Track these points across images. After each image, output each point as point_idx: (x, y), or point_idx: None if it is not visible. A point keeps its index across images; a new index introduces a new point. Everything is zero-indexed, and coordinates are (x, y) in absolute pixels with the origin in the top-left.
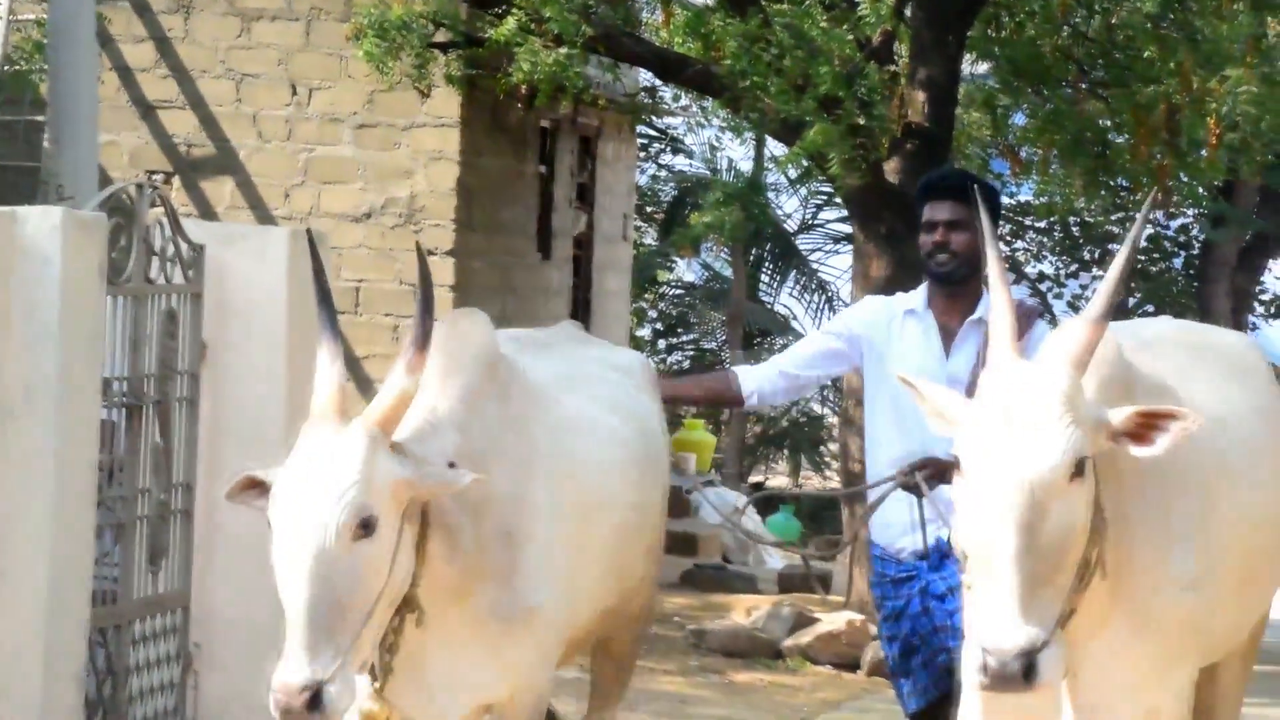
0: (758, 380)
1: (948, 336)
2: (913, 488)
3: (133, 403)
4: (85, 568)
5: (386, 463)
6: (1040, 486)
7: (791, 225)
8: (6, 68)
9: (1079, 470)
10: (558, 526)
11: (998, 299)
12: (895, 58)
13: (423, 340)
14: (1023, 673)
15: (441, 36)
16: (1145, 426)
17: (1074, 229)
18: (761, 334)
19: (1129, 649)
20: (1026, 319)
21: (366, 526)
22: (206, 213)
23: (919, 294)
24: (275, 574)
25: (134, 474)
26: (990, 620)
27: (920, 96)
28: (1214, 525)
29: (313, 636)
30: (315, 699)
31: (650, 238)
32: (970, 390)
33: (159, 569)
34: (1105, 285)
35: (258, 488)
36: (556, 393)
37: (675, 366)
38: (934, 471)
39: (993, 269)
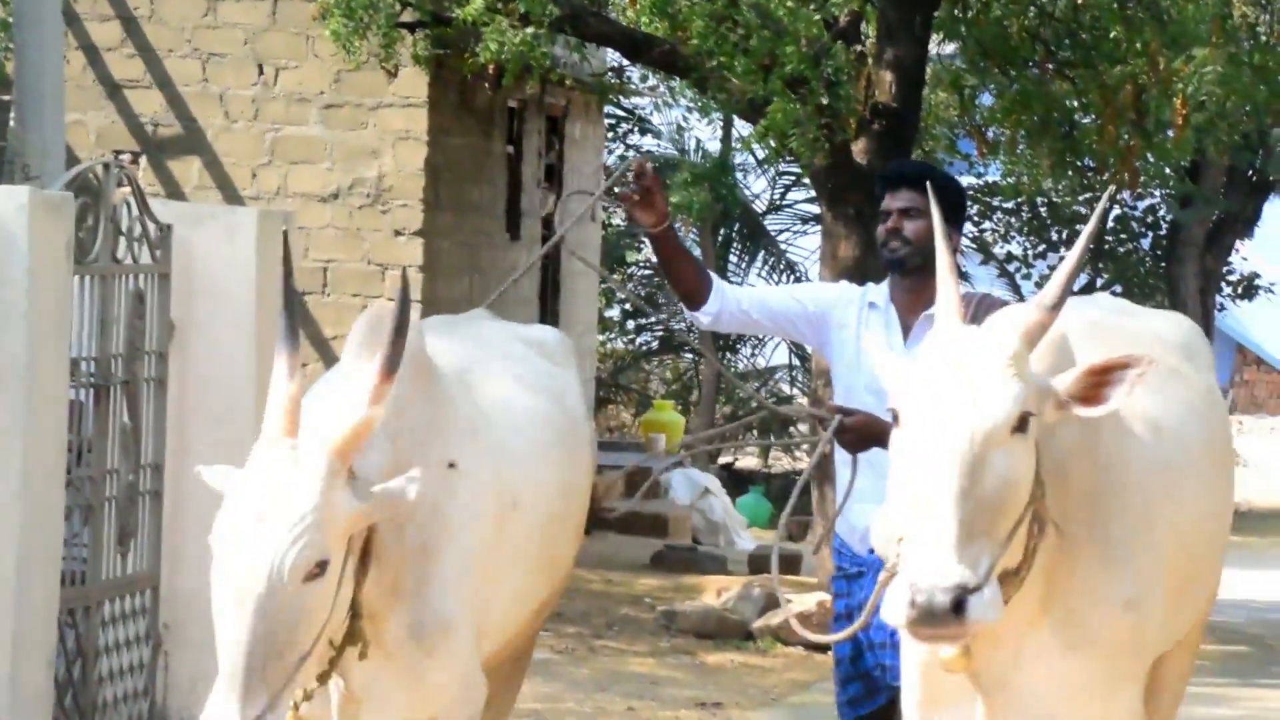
0: (722, 301)
1: (906, 330)
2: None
3: (101, 383)
4: (54, 549)
5: (343, 497)
6: (982, 434)
7: (760, 205)
8: None
9: (1021, 426)
10: (478, 533)
11: (941, 266)
12: (863, 38)
13: (390, 366)
14: (952, 606)
15: (408, 16)
16: (1096, 385)
17: (1041, 210)
18: None
19: (1063, 663)
20: (987, 310)
21: (320, 568)
22: (174, 193)
23: (883, 287)
24: (213, 600)
25: (102, 455)
26: (922, 559)
27: (887, 77)
28: (1155, 541)
29: (248, 678)
30: None
31: (619, 218)
32: None
33: (128, 550)
34: (1060, 274)
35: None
36: (472, 379)
37: (644, 347)
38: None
39: (938, 235)
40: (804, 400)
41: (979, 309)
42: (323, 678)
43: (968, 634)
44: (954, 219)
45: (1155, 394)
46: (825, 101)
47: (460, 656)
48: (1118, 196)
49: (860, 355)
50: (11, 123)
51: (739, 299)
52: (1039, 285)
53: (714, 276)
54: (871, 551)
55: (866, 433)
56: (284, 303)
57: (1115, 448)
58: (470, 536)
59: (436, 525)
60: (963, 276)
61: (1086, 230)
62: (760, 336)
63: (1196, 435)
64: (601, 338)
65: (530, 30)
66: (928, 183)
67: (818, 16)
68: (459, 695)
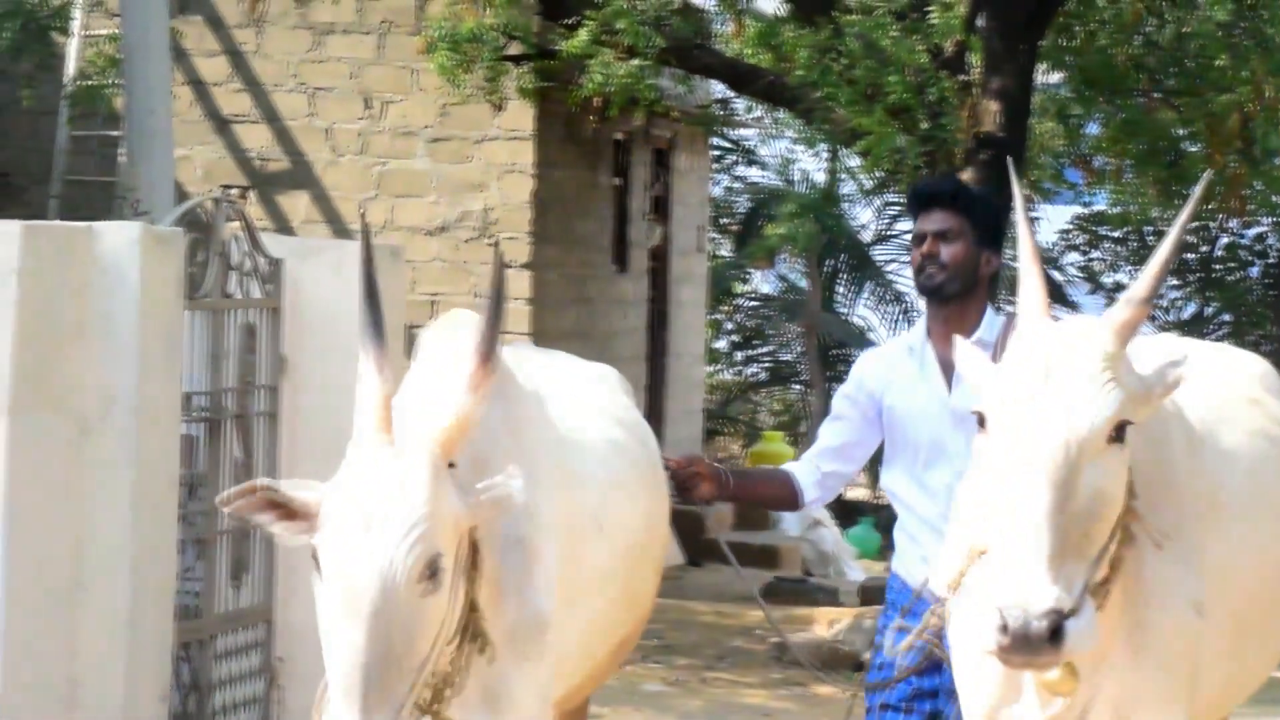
0: (815, 487)
1: (948, 369)
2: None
3: (213, 417)
4: (168, 583)
5: (452, 494)
6: (1077, 445)
7: (866, 236)
8: (81, 83)
9: (1118, 435)
10: (561, 544)
11: (1025, 263)
12: (968, 68)
13: (488, 354)
14: (1049, 634)
15: (513, 49)
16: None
17: (1149, 238)
18: (838, 345)
19: (1135, 674)
20: None
21: (434, 571)
22: (282, 226)
23: (918, 326)
24: (322, 613)
25: (215, 488)
26: (1012, 580)
27: (993, 106)
28: (1212, 556)
29: (367, 690)
30: None
31: (725, 249)
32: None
33: (241, 583)
34: (1150, 268)
35: (279, 510)
36: (552, 403)
37: (752, 378)
38: None
39: (1023, 242)
40: None
41: (1010, 328)
42: (449, 680)
43: (1061, 660)
44: (991, 241)
45: (1231, 419)
46: (928, 130)
47: (546, 662)
48: (1225, 225)
49: (916, 402)
50: (121, 158)
51: (817, 467)
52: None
53: (787, 470)
54: (919, 598)
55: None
56: (366, 298)
57: (1184, 461)
58: (562, 544)
59: (531, 521)
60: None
61: (1178, 221)
62: None
63: (1274, 467)
64: (710, 369)
65: (635, 62)
66: (1008, 159)
67: (921, 46)
68: (533, 711)
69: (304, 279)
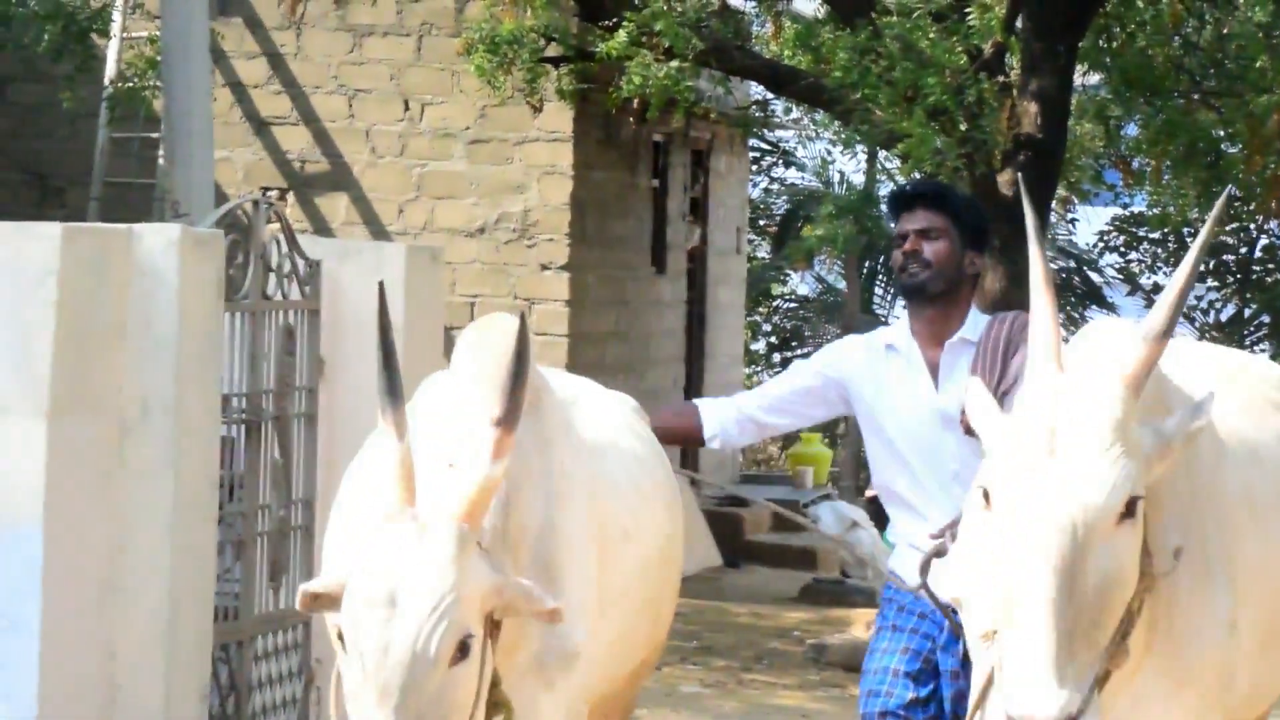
0: (721, 422)
1: (934, 370)
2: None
3: (252, 419)
4: (206, 584)
5: (479, 567)
6: (1084, 527)
7: None
8: (120, 85)
9: (1129, 511)
10: (590, 560)
11: (1038, 294)
12: (1007, 69)
13: (511, 420)
14: None
15: (552, 50)
16: None
17: (1188, 239)
18: None
19: (1175, 700)
20: (1025, 328)
21: (464, 649)
22: (321, 228)
23: (900, 325)
24: (349, 698)
25: (254, 490)
26: (1020, 682)
27: (1032, 108)
28: (1240, 564)
29: None
30: None
31: (763, 251)
32: (969, 426)
33: (280, 585)
34: (1166, 298)
35: (322, 599)
36: (578, 415)
37: None
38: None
39: (1035, 267)
40: None
41: (1014, 328)
42: None
43: None
44: (976, 243)
45: (1255, 424)
46: (967, 132)
47: (575, 693)
48: (1264, 227)
49: (900, 402)
50: (161, 160)
51: (738, 407)
52: (1186, 316)
53: (694, 403)
54: (917, 597)
55: None
56: (383, 358)
57: (1212, 470)
58: (590, 561)
59: (556, 541)
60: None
61: (1197, 243)
62: None
63: None
64: (747, 371)
65: (674, 64)
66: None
67: (960, 48)
68: None
69: (343, 281)
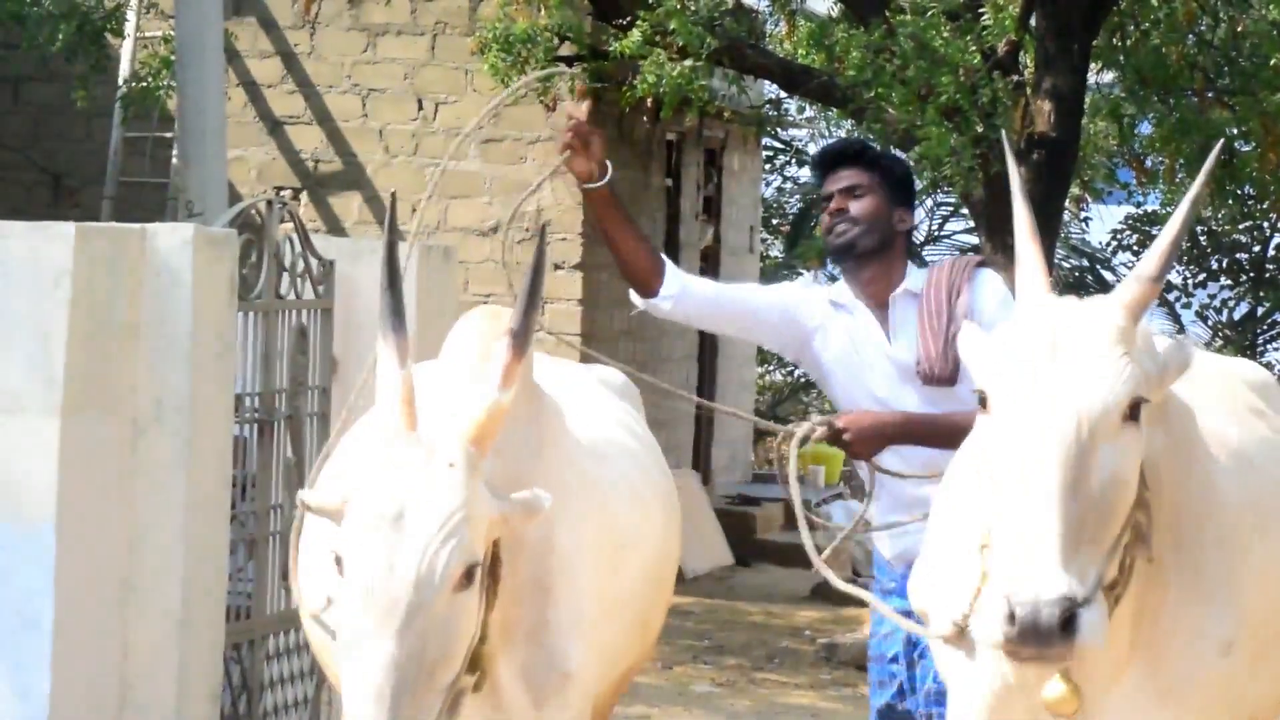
0: (682, 284)
1: (883, 322)
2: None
3: (264, 418)
4: (219, 583)
5: (485, 493)
6: (1090, 421)
7: (918, 236)
8: (134, 84)
9: (1133, 414)
10: (588, 575)
11: (1023, 239)
12: (1021, 68)
13: (522, 346)
14: (1060, 623)
15: (566, 50)
16: None
17: (1201, 238)
18: None
19: (1153, 714)
20: (965, 269)
21: (469, 575)
22: (334, 228)
23: (838, 287)
24: (345, 624)
25: (266, 489)
26: (1022, 567)
27: (1046, 106)
28: (1244, 579)
29: (397, 703)
30: None
31: (776, 250)
32: (927, 374)
33: (292, 584)
34: (1160, 243)
35: (317, 511)
36: (573, 411)
37: (802, 378)
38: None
39: (1018, 210)
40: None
41: (954, 270)
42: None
43: (1073, 656)
44: (903, 199)
45: (1241, 427)
46: (981, 131)
47: (576, 707)
48: (1278, 225)
49: (857, 358)
50: (174, 160)
51: (702, 285)
52: (1199, 315)
53: (664, 257)
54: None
55: (871, 431)
56: (388, 280)
57: (1206, 471)
58: (588, 576)
59: (551, 560)
60: (913, 257)
61: (1189, 195)
62: None
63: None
64: (760, 369)
65: (688, 63)
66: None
67: (974, 47)
68: None
69: (356, 280)
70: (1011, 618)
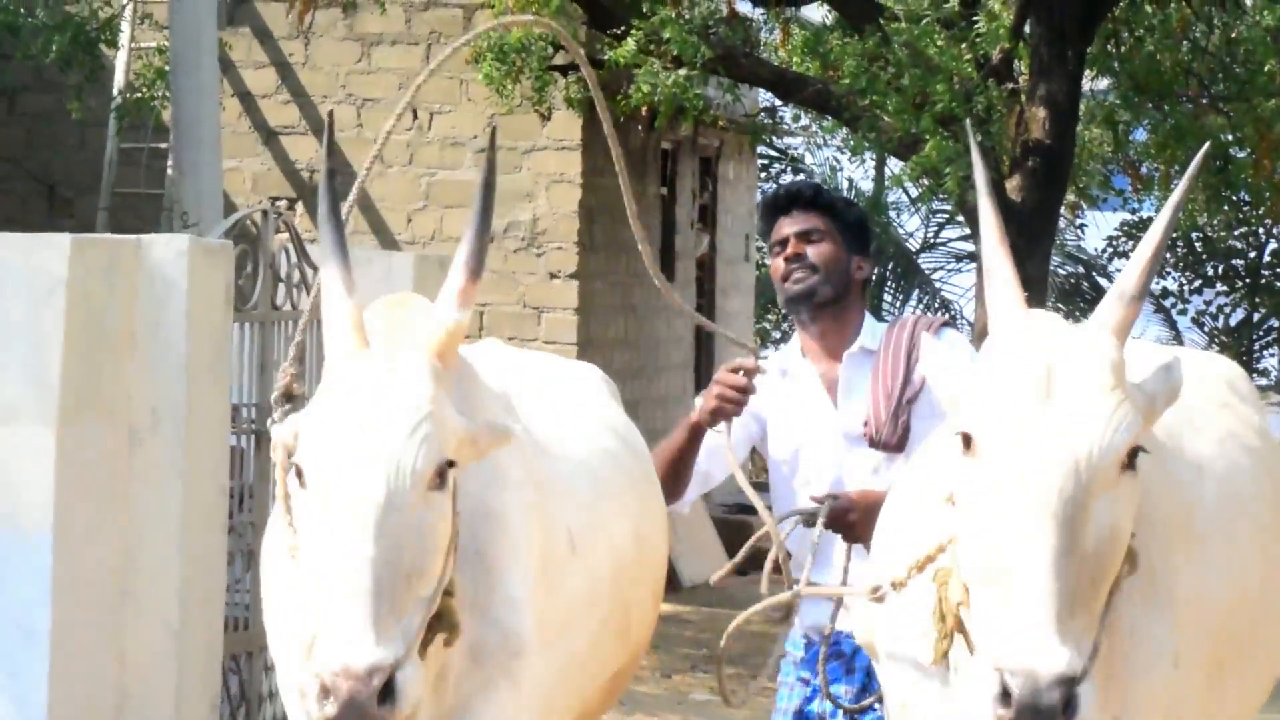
0: (697, 487)
1: (831, 385)
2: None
3: (261, 429)
4: (216, 594)
5: (451, 407)
6: (1089, 471)
7: (914, 244)
8: (129, 95)
9: (1131, 461)
10: (531, 551)
11: (992, 249)
12: (1015, 75)
13: (476, 264)
14: (1062, 706)
15: (561, 59)
16: None
17: (1196, 245)
18: None
19: None
20: (928, 329)
21: (442, 476)
22: None
23: (789, 347)
24: (314, 533)
25: (263, 500)
26: (1013, 637)
27: (1041, 113)
28: (1186, 587)
29: (378, 609)
30: (387, 688)
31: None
32: (874, 439)
33: None
34: (1140, 258)
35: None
36: (521, 403)
37: None
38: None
39: (985, 216)
40: None
41: (915, 331)
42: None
43: None
44: (860, 246)
45: (1198, 428)
46: (977, 139)
47: (529, 690)
48: (1273, 231)
49: (798, 425)
50: (169, 170)
51: (703, 472)
52: (1195, 321)
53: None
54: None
55: (874, 513)
56: (329, 210)
57: (1158, 486)
58: (531, 552)
59: (492, 529)
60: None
61: (1171, 201)
62: None
63: (1250, 475)
64: None
65: (683, 72)
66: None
67: (968, 55)
68: None
69: None
70: (1005, 696)
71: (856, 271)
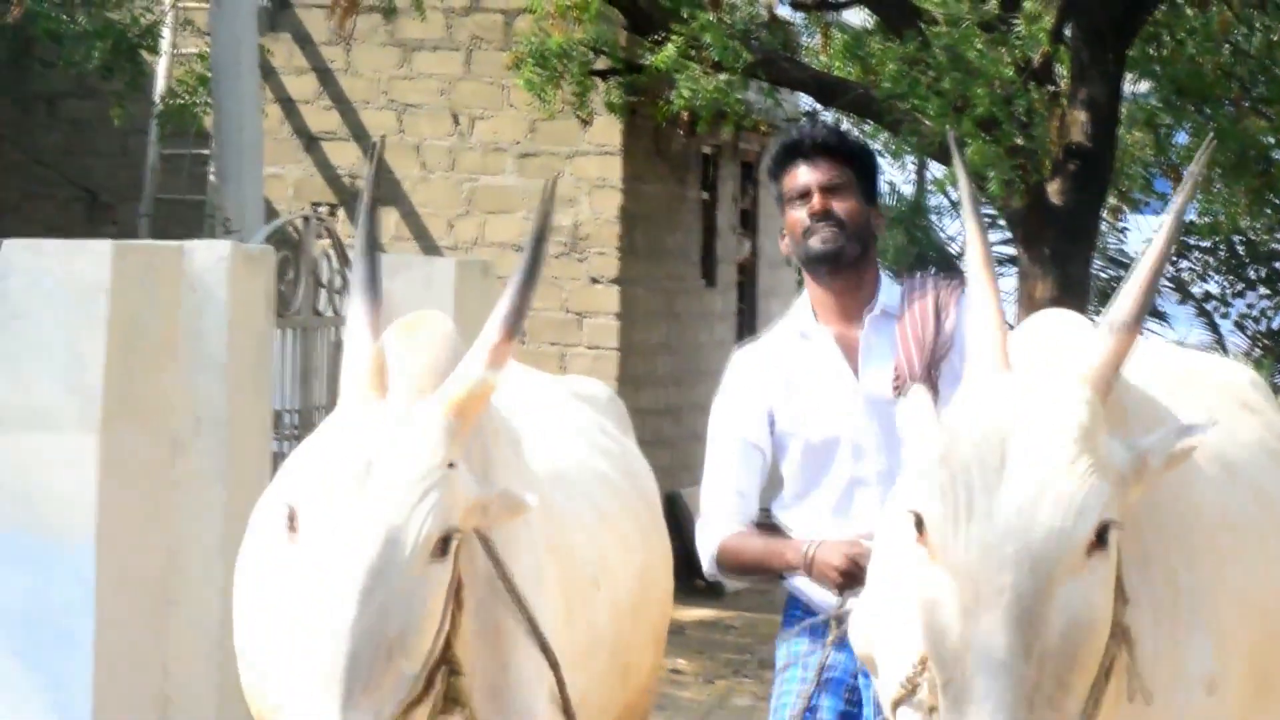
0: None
1: (851, 350)
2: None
3: (303, 435)
4: None
5: (465, 471)
6: (1047, 561)
7: (955, 248)
8: (170, 101)
9: (1100, 540)
10: (549, 616)
11: (977, 283)
12: (1056, 78)
13: (515, 320)
14: None
15: (601, 64)
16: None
17: (1239, 248)
18: None
19: None
20: (953, 290)
21: (444, 545)
22: None
23: (802, 309)
24: (296, 586)
25: None
26: None
27: (1082, 117)
28: (1224, 604)
29: (351, 680)
30: None
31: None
32: (898, 387)
33: None
34: (1136, 284)
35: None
36: (525, 428)
37: None
38: None
39: (973, 246)
40: None
41: (940, 290)
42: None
43: None
44: (874, 196)
45: (1224, 430)
46: (1019, 142)
47: None
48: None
49: (819, 398)
50: (211, 177)
51: (740, 520)
52: (1237, 324)
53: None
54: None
55: (828, 566)
56: (365, 250)
57: (1180, 487)
58: (550, 619)
59: (504, 596)
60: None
61: (1166, 226)
62: None
63: (1273, 485)
64: None
65: (723, 77)
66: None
67: (1008, 58)
68: None
69: (393, 296)
70: None
71: (875, 225)
